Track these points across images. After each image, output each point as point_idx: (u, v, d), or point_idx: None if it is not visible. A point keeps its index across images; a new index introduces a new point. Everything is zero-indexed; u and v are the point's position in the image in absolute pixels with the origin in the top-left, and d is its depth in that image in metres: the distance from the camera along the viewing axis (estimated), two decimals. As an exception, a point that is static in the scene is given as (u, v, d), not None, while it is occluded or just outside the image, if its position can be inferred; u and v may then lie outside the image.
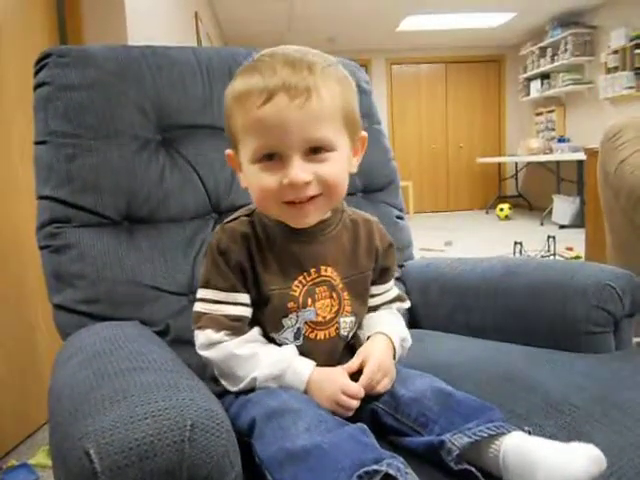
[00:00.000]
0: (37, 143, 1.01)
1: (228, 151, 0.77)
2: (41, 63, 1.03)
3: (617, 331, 0.98)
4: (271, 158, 0.68)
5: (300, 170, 0.67)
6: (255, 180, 0.70)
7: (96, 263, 0.96)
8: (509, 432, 0.61)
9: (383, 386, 0.71)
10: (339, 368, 0.71)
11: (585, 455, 0.55)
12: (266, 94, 0.65)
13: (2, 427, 1.61)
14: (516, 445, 0.59)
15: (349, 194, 0.77)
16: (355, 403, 0.67)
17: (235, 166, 0.77)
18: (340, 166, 0.72)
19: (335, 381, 0.68)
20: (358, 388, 0.68)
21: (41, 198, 0.99)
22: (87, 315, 0.94)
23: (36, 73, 1.04)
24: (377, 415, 0.70)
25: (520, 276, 1.08)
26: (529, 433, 0.63)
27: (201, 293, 0.74)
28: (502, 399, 0.75)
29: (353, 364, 0.72)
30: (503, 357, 0.95)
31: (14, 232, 1.66)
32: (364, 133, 0.78)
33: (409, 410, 0.68)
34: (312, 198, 0.70)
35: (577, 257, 3.93)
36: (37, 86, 1.02)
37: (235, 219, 0.77)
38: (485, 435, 0.60)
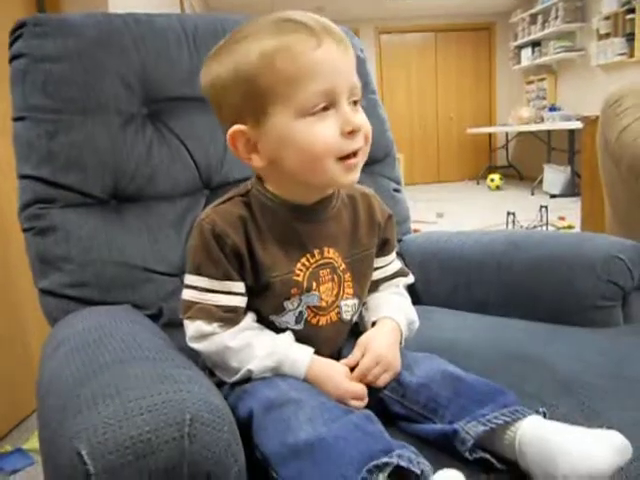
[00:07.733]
0: (15, 119, 0.95)
1: (235, 127, 0.65)
2: (16, 33, 0.97)
3: (625, 305, 0.96)
4: (326, 109, 0.63)
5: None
6: (308, 136, 0.62)
7: (83, 245, 0.91)
8: (525, 417, 0.58)
9: (383, 381, 0.67)
10: (339, 366, 0.68)
11: (610, 444, 0.52)
12: (316, 38, 0.62)
13: (-6, 413, 1.58)
14: (533, 432, 0.56)
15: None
16: (360, 404, 0.65)
17: (244, 147, 0.66)
18: None
19: (335, 384, 0.65)
20: (361, 391, 0.66)
21: (22, 177, 0.94)
22: (75, 300, 0.90)
23: (11, 44, 0.97)
24: (384, 403, 0.67)
25: (524, 250, 1.05)
26: (544, 415, 0.60)
27: (190, 280, 0.68)
28: (510, 378, 0.72)
29: (353, 358, 0.69)
30: (508, 333, 0.92)
31: (-2, 213, 1.61)
32: None
33: (417, 397, 0.65)
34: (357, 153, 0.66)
35: (570, 227, 3.91)
36: (13, 58, 0.96)
37: (228, 200, 0.71)
38: (500, 422, 0.57)
